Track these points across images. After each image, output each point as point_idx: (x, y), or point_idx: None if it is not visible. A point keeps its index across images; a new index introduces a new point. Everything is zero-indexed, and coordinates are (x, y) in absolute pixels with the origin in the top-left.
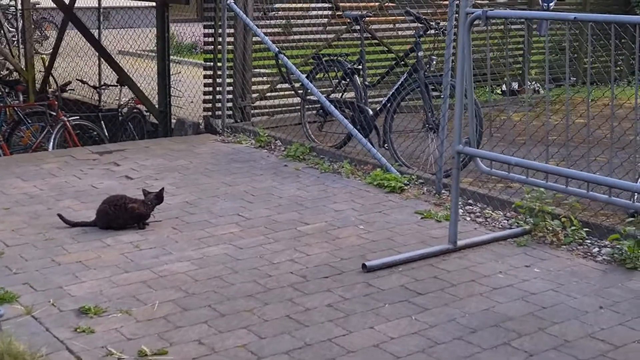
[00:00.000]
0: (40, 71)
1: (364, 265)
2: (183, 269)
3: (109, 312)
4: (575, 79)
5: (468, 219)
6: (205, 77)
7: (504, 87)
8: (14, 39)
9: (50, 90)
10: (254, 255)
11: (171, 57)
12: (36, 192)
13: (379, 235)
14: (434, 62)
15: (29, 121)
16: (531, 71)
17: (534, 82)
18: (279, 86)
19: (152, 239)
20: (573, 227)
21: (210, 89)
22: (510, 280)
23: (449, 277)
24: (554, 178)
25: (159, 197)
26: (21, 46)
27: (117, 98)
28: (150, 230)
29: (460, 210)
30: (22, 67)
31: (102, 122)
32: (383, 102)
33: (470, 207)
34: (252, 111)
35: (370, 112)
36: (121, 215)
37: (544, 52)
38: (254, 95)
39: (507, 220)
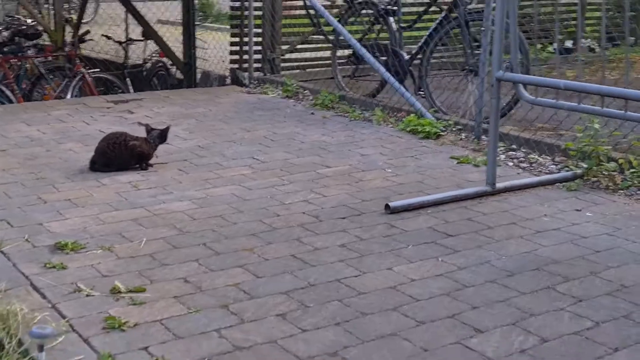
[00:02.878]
0: (69, 32)
1: (387, 206)
2: (182, 207)
3: (88, 248)
4: (633, 38)
5: (510, 164)
6: (232, 26)
7: (555, 46)
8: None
9: (68, 41)
10: (264, 195)
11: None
12: (38, 135)
13: (407, 179)
14: None
15: (51, 77)
16: (587, 29)
17: (588, 40)
18: (310, 38)
19: (153, 179)
20: (632, 170)
21: (238, 39)
22: (557, 223)
23: (485, 220)
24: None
25: (162, 135)
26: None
27: (143, 52)
28: (152, 171)
29: (502, 156)
30: (52, 29)
31: (128, 79)
32: (419, 43)
33: (514, 152)
34: (282, 64)
35: (406, 56)
36: (121, 154)
37: (600, 8)
38: (284, 47)
39: (556, 165)
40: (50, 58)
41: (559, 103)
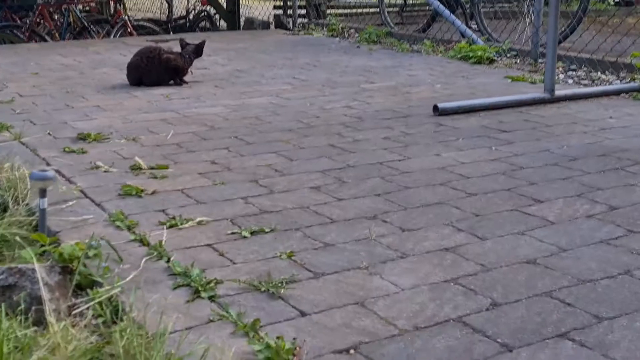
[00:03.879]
0: None
1: (435, 108)
2: (214, 111)
3: (112, 139)
4: None
5: (570, 81)
6: None
7: None
8: None
9: None
10: (303, 103)
11: None
12: (74, 63)
13: (457, 91)
14: None
15: (93, 29)
16: None
17: None
18: None
19: (186, 92)
20: None
21: None
22: (623, 123)
23: (544, 120)
24: None
25: (198, 50)
26: None
27: (185, 3)
28: (187, 87)
29: (561, 75)
30: None
31: (172, 32)
32: None
33: (574, 72)
34: (329, 11)
35: None
36: (155, 67)
37: None
38: None
39: (621, 80)
40: (92, 5)
41: None
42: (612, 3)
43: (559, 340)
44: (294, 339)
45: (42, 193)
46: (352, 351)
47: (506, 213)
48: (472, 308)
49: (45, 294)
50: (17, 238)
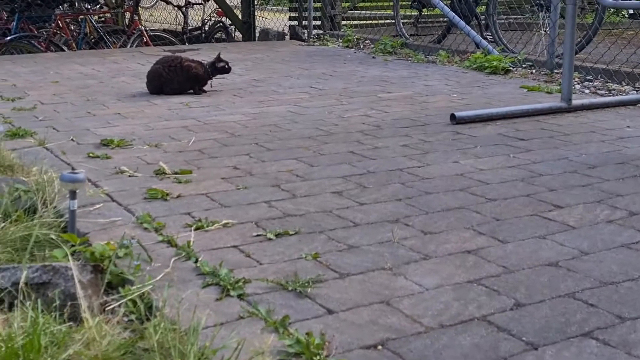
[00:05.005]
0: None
1: (452, 116)
2: (234, 119)
3: (135, 145)
4: None
5: (587, 91)
6: None
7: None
8: None
9: None
10: (321, 111)
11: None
12: (92, 72)
13: (474, 101)
14: None
15: (110, 40)
16: None
17: None
18: None
19: (206, 101)
20: None
21: None
22: None
23: (561, 129)
24: None
25: (223, 70)
26: None
27: (201, 14)
28: (205, 96)
29: (577, 85)
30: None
31: (187, 43)
32: None
33: (590, 82)
34: (343, 22)
35: None
36: (176, 76)
37: None
38: (345, 4)
39: (637, 90)
40: (107, 16)
41: None
42: (626, 15)
43: (583, 339)
44: (322, 334)
45: (73, 195)
46: (379, 347)
47: (526, 218)
48: (496, 307)
49: (79, 291)
50: (53, 236)
